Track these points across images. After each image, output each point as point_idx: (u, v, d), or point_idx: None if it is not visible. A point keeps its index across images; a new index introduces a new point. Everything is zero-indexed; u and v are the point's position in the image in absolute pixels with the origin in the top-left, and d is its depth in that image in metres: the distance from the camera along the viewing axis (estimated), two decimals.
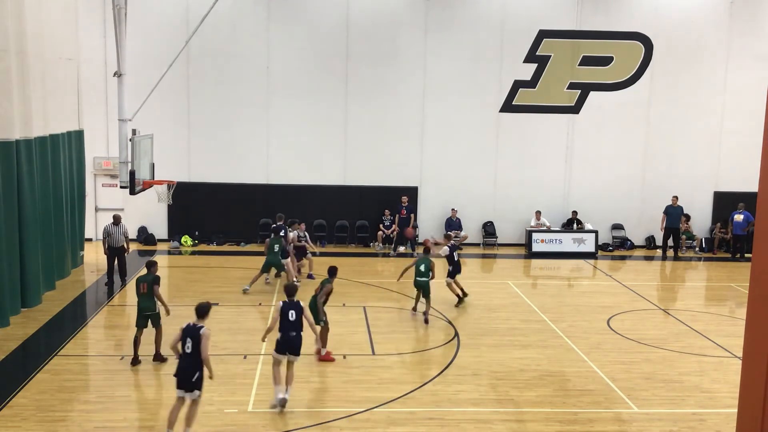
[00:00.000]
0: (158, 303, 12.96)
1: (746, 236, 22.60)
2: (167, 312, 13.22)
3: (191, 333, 10.00)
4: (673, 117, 24.05)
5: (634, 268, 22.24)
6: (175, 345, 10.19)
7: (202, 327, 10.04)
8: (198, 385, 9.97)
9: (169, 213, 23.00)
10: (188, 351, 9.95)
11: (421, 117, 23.47)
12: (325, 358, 13.07)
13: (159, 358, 12.86)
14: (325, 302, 13.24)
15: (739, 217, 23.03)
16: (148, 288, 12.87)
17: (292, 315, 11.19)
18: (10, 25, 14.84)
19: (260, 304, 16.73)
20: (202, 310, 10.23)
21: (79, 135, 19.66)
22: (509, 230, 24.17)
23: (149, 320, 12.95)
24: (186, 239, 22.96)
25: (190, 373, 9.92)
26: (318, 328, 12.54)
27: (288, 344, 11.17)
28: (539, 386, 12.29)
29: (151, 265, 13.19)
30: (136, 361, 12.73)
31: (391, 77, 23.25)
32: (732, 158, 24.09)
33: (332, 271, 13.67)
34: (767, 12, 23.87)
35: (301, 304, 11.41)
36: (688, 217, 24.02)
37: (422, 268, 15.65)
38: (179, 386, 9.97)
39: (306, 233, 19.22)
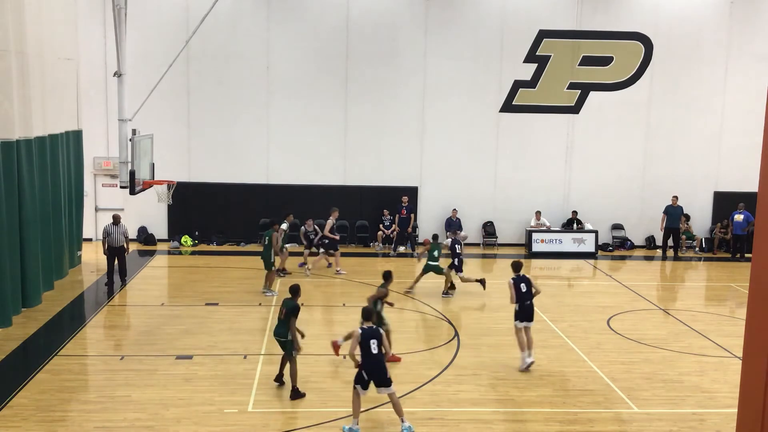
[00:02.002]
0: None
1: (746, 236, 22.60)
2: (296, 348, 11.62)
3: (374, 335, 10.43)
4: (673, 117, 24.05)
5: (634, 268, 22.23)
6: (353, 351, 10.49)
7: (377, 327, 10.64)
8: (390, 380, 10.44)
9: (169, 213, 23.01)
10: (375, 351, 10.34)
11: (421, 117, 23.48)
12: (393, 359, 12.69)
13: (296, 394, 11.51)
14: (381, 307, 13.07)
15: (739, 217, 23.01)
16: (286, 315, 11.60)
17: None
18: (10, 25, 14.84)
19: (260, 304, 16.74)
20: (369, 313, 10.83)
21: (77, 135, 19.66)
22: (509, 230, 24.17)
23: (282, 347, 11.77)
24: (186, 239, 22.96)
25: (385, 370, 10.37)
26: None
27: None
28: (539, 386, 12.28)
29: (295, 291, 11.89)
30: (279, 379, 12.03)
31: (391, 77, 23.25)
32: (732, 158, 24.09)
33: (386, 276, 13.76)
34: (767, 12, 23.87)
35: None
36: (688, 217, 24.03)
37: (435, 253, 17.81)
38: (381, 384, 10.35)
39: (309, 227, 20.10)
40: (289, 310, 11.54)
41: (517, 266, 13.23)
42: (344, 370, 12.65)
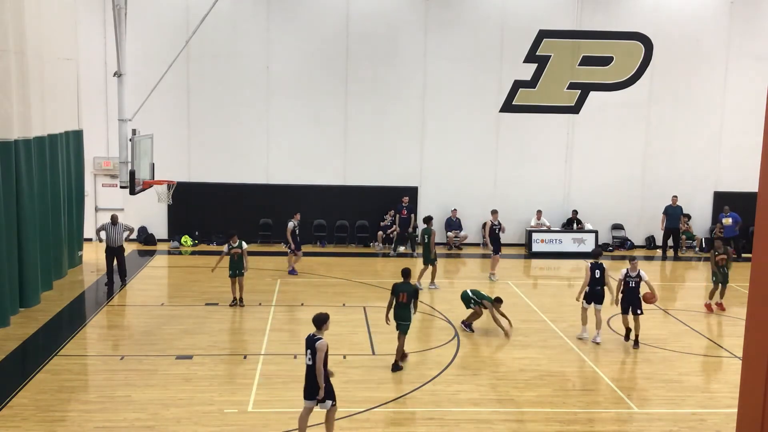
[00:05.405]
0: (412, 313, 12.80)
1: (739, 235, 22.58)
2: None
3: (310, 344, 9.53)
4: (673, 117, 24.05)
5: None
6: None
7: (319, 338, 9.50)
8: (330, 396, 9.60)
9: (169, 213, 23.00)
10: (309, 363, 9.53)
11: (421, 117, 23.47)
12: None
13: (396, 366, 12.74)
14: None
15: (727, 221, 22.87)
16: (408, 299, 12.66)
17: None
18: (9, 25, 14.84)
19: (260, 304, 16.75)
20: (318, 321, 9.65)
21: (77, 135, 19.65)
22: (509, 230, 24.04)
23: (401, 329, 12.76)
24: (186, 239, 22.96)
25: (310, 383, 9.53)
26: None
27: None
28: (539, 386, 12.28)
29: (407, 275, 12.90)
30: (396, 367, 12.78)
31: (391, 77, 23.25)
32: (732, 158, 24.09)
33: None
34: (767, 12, 23.87)
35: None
36: (688, 217, 24.03)
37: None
38: (306, 397, 9.60)
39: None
40: (410, 295, 12.68)
41: (596, 254, 15.08)
42: (344, 370, 12.64)
